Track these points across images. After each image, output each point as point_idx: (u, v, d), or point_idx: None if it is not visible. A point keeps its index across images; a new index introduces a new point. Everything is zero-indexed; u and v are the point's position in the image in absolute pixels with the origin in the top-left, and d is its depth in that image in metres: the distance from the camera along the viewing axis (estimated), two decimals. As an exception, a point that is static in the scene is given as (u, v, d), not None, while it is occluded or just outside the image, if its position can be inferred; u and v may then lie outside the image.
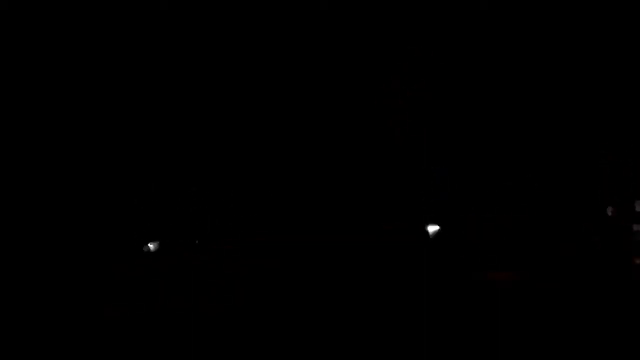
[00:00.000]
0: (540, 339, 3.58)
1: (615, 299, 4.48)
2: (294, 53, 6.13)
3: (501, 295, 4.29)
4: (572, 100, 5.89)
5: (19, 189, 5.70)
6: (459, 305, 4.13)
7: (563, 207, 5.79)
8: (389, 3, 6.11)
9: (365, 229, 6.00)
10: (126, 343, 4.20)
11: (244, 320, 4.12)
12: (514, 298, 4.23)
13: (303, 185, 6.10)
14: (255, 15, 6.06)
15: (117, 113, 5.99)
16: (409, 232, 5.95)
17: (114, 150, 5.98)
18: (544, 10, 5.88)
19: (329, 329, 3.85)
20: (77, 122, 5.92)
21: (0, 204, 5.64)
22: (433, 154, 6.16)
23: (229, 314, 4.30)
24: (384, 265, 5.68)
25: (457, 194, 6.02)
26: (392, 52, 6.21)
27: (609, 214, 5.58)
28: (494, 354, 3.36)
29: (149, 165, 6.02)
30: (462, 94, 6.11)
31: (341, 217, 5.93)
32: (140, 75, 6.01)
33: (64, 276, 5.13)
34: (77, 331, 4.42)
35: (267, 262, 5.80)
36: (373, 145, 6.21)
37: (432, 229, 5.81)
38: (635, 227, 5.43)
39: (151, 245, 5.73)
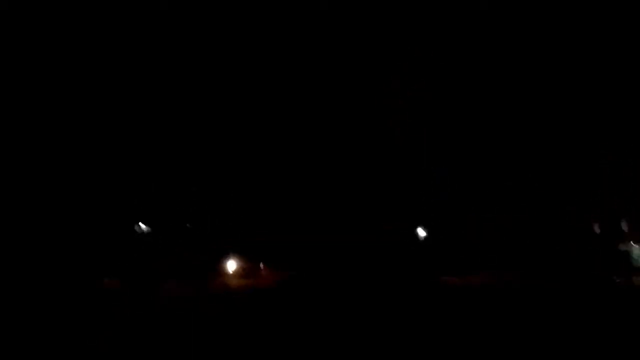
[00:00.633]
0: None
1: (610, 300, 4.53)
2: (294, 53, 6.14)
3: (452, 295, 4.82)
4: (572, 101, 5.90)
5: (18, 186, 5.73)
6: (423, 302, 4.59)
7: (563, 207, 5.81)
8: (389, 3, 6.12)
9: (365, 229, 6.01)
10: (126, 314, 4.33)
11: (244, 321, 4.16)
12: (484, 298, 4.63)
13: (303, 186, 6.11)
14: (255, 16, 6.07)
15: (118, 113, 6.00)
16: (405, 234, 5.99)
17: (114, 150, 5.99)
18: (543, 12, 5.88)
19: (329, 329, 3.90)
20: (77, 122, 5.93)
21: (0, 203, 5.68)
22: (433, 154, 6.17)
23: (229, 314, 4.34)
24: (384, 265, 5.70)
25: (457, 194, 6.02)
26: (392, 52, 6.21)
27: (596, 231, 5.65)
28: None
29: (149, 165, 6.02)
30: (462, 94, 6.11)
31: (341, 217, 5.94)
32: (140, 76, 6.01)
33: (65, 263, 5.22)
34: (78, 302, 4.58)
35: (267, 262, 5.81)
36: (373, 146, 6.22)
37: (421, 232, 5.99)
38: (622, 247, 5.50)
39: (143, 226, 5.78)
